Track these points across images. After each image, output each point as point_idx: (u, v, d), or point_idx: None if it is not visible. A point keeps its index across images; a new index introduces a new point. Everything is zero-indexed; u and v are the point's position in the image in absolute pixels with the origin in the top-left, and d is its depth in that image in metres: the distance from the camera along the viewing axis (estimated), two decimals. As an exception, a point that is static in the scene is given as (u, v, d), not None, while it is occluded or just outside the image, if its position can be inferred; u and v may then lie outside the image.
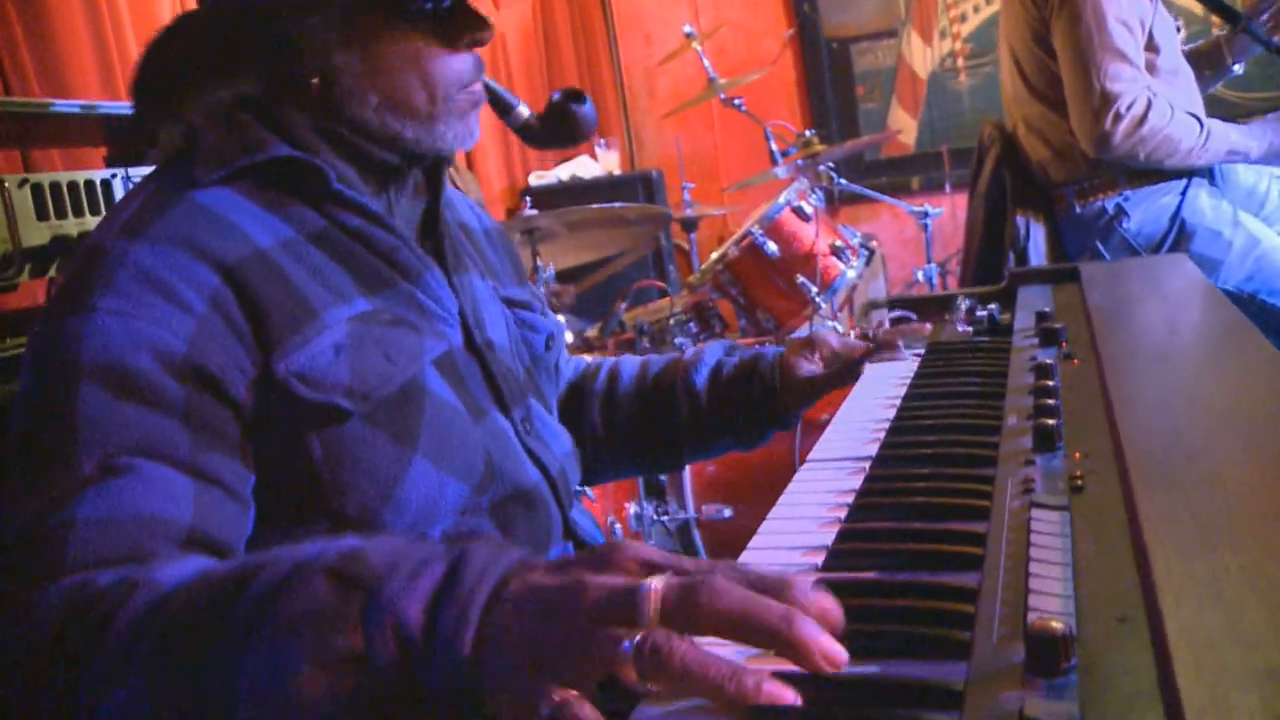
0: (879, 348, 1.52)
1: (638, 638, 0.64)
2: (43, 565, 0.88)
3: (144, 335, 0.99)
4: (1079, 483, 0.94)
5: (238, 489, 1.01)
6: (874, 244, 3.45)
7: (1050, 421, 1.05)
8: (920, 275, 3.61)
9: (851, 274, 3.27)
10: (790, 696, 0.64)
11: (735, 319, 3.35)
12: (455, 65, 1.17)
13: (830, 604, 0.69)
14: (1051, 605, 0.73)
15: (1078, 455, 1.01)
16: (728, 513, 2.92)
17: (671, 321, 3.19)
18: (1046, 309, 1.57)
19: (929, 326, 1.63)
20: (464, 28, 1.17)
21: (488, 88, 1.31)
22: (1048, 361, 1.26)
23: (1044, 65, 2.80)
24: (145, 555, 0.90)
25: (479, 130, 1.23)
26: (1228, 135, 2.68)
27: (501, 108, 1.39)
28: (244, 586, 0.77)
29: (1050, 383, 1.18)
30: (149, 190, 1.12)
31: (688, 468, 2.96)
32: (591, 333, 3.13)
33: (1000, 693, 0.65)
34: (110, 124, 1.78)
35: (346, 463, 1.06)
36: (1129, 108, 2.59)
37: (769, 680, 0.64)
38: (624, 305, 3.16)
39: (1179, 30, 2.84)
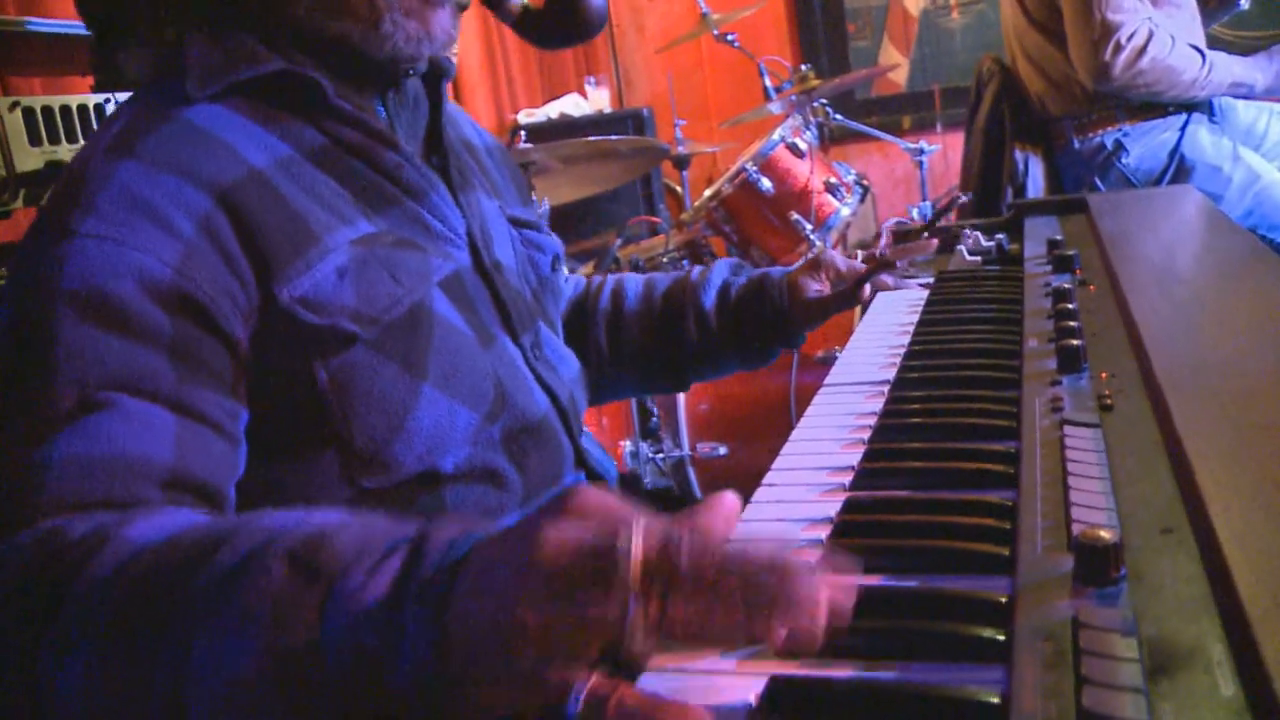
0: (881, 267, 1.49)
1: (641, 603, 0.58)
2: (13, 508, 0.83)
3: (128, 261, 0.93)
4: (1108, 401, 0.93)
5: (226, 425, 0.96)
6: (866, 181, 3.42)
7: (1074, 343, 1.03)
8: (915, 213, 3.57)
9: (846, 211, 3.24)
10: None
11: (728, 256, 3.33)
12: None
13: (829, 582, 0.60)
14: (1095, 518, 0.72)
15: (1104, 375, 1.00)
16: (723, 450, 2.91)
17: (665, 259, 3.16)
18: (1057, 237, 1.55)
19: (934, 242, 1.60)
20: None
21: None
22: (1065, 286, 1.25)
23: (1046, -4, 2.77)
24: (124, 498, 0.85)
25: (451, 34, 1.12)
26: (1230, 68, 2.66)
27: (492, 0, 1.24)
28: (206, 561, 0.72)
29: (1070, 305, 1.17)
30: (135, 109, 1.05)
31: (682, 406, 2.95)
32: (585, 269, 3.10)
33: (1050, 603, 0.64)
34: (95, 47, 1.72)
35: (354, 392, 1.02)
36: (1129, 38, 2.55)
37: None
38: (618, 242, 3.13)
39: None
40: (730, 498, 0.68)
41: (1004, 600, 0.66)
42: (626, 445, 2.88)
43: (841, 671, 0.62)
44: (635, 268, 3.00)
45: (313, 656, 0.66)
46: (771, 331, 1.49)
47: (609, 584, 0.58)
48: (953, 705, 0.57)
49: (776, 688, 0.61)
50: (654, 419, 3.02)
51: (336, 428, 1.02)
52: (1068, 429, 0.87)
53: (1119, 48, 2.55)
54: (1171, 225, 1.58)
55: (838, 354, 1.36)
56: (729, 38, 3.76)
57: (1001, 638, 0.62)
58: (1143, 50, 2.56)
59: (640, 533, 0.59)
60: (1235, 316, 1.07)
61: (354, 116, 1.10)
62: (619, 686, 0.59)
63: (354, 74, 1.13)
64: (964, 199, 1.75)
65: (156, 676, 0.70)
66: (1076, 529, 0.69)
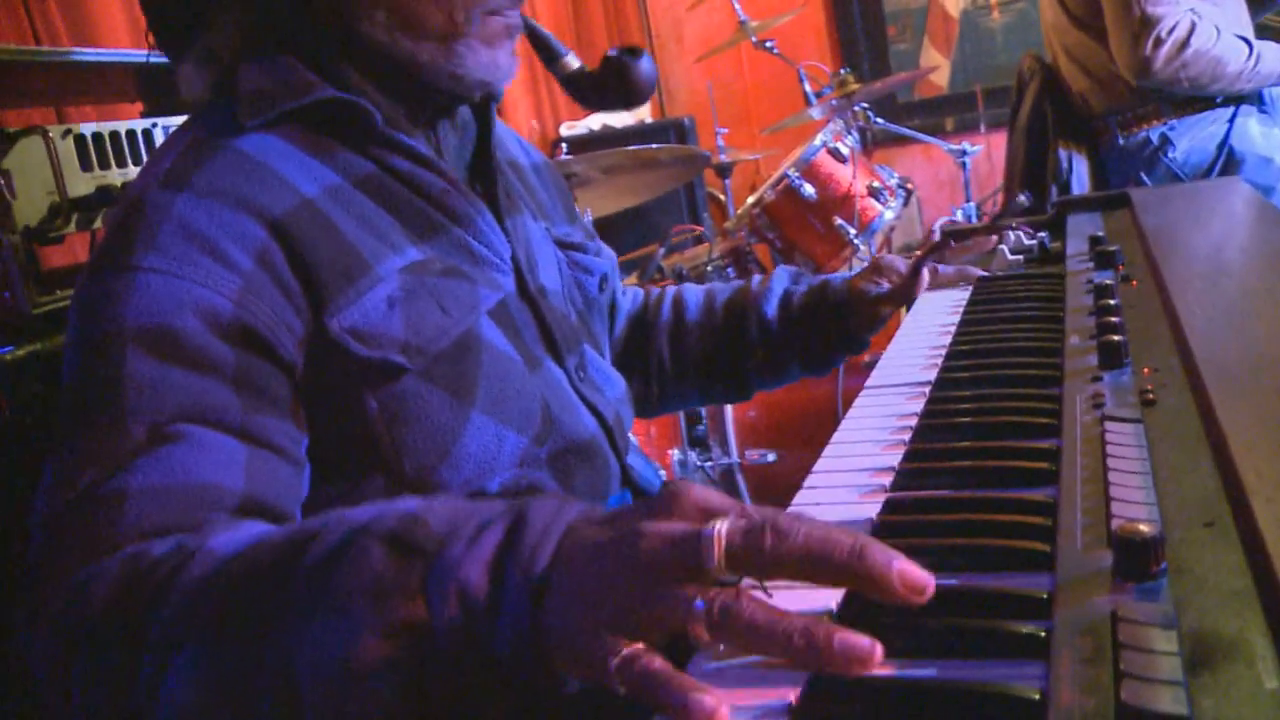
0: (933, 250, 1.48)
1: (708, 599, 0.61)
2: (96, 538, 0.86)
3: (190, 295, 0.96)
4: (1150, 396, 0.92)
5: (291, 451, 0.99)
6: (910, 185, 3.41)
7: (1116, 338, 1.02)
8: (959, 214, 3.55)
9: (889, 215, 3.23)
10: (865, 644, 0.60)
11: (772, 263, 3.33)
12: None
13: (904, 560, 0.62)
14: (1135, 513, 0.72)
15: (1146, 371, 0.99)
16: (771, 457, 2.91)
17: (709, 267, 3.16)
18: (1099, 234, 1.54)
19: (993, 238, 1.59)
20: None
21: (531, 29, 1.23)
22: (1107, 282, 1.24)
23: (1084, -9, 2.74)
24: (199, 523, 0.88)
25: (514, 68, 1.15)
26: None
27: (547, 54, 1.28)
28: (300, 555, 0.75)
29: (1112, 301, 1.16)
30: (188, 137, 1.08)
31: (730, 413, 2.95)
32: (629, 280, 3.11)
33: (1090, 598, 0.63)
34: (145, 73, 1.76)
35: (404, 420, 1.04)
36: (1170, 31, 2.52)
37: (841, 630, 0.60)
38: (661, 251, 3.14)
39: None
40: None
41: (1044, 596, 0.65)
42: (675, 454, 2.89)
43: (881, 669, 0.62)
44: (679, 277, 3.01)
45: (420, 629, 0.69)
46: (835, 337, 1.49)
47: (696, 567, 0.62)
48: (992, 701, 0.57)
49: (816, 685, 0.61)
50: (701, 426, 3.02)
51: (385, 455, 1.04)
52: (1109, 424, 0.87)
53: (1160, 41, 2.52)
54: (1217, 218, 1.56)
55: (885, 358, 1.36)
56: (768, 44, 3.77)
57: (1041, 634, 0.62)
58: (1185, 43, 2.52)
59: (726, 522, 0.63)
60: (1281, 309, 1.06)
61: (402, 143, 1.12)
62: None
63: (413, 101, 1.15)
64: (1017, 224, 1.73)
65: (267, 664, 0.73)
66: (1116, 524, 0.68)
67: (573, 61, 1.28)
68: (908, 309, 1.54)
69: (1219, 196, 1.72)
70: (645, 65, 1.26)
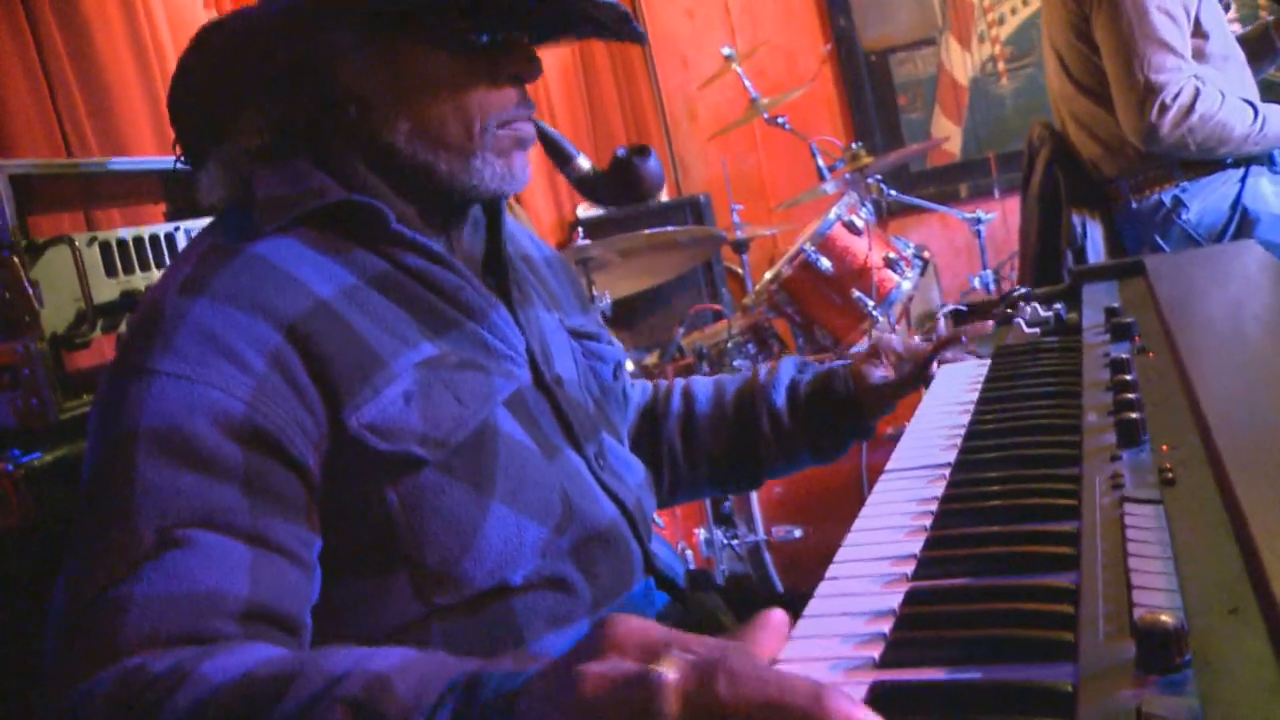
0: (945, 344, 1.51)
1: None
2: (98, 646, 0.87)
3: (203, 399, 0.97)
4: (1170, 475, 0.91)
5: (300, 554, 0.99)
6: (926, 254, 3.42)
7: (1133, 415, 1.02)
8: (976, 282, 3.56)
9: (907, 285, 3.24)
10: None
11: (792, 338, 3.33)
12: (494, 97, 1.14)
13: (863, 709, 0.61)
14: (1157, 600, 0.71)
15: (1165, 448, 0.99)
16: (798, 533, 2.89)
17: (729, 344, 3.17)
18: (1114, 304, 1.54)
19: (990, 324, 1.61)
20: (507, 59, 1.15)
21: (544, 134, 1.28)
22: (1123, 356, 1.24)
23: (1088, 60, 2.77)
24: (203, 632, 0.89)
25: (527, 174, 1.20)
26: (1286, 118, 2.63)
27: (559, 157, 1.34)
28: (272, 706, 0.76)
29: (1128, 377, 1.16)
30: (207, 244, 1.11)
31: (755, 490, 2.94)
32: (650, 360, 3.12)
33: (1113, 692, 0.63)
34: (168, 177, 1.81)
35: (424, 514, 1.05)
36: (1175, 97, 2.54)
37: None
38: (681, 331, 3.15)
39: (1228, 9, 2.79)
40: (778, 616, 0.69)
41: (1068, 690, 0.65)
42: (701, 533, 2.87)
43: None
44: (699, 355, 3.02)
45: None
46: (844, 423, 1.51)
47: (646, 714, 0.61)
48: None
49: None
50: (727, 504, 3.01)
51: (408, 549, 1.05)
52: (1128, 506, 0.86)
53: (1164, 108, 2.55)
54: (1233, 284, 1.56)
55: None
56: (780, 120, 3.82)
57: (1067, 731, 0.61)
58: (1190, 109, 2.55)
59: (675, 662, 0.62)
60: (1298, 380, 1.06)
61: (414, 241, 1.14)
62: None
63: (426, 201, 1.18)
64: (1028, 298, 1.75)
65: None
66: (1138, 613, 0.68)
67: (583, 164, 1.34)
68: (926, 386, 1.54)
69: (1233, 261, 1.73)
70: (652, 164, 1.31)
